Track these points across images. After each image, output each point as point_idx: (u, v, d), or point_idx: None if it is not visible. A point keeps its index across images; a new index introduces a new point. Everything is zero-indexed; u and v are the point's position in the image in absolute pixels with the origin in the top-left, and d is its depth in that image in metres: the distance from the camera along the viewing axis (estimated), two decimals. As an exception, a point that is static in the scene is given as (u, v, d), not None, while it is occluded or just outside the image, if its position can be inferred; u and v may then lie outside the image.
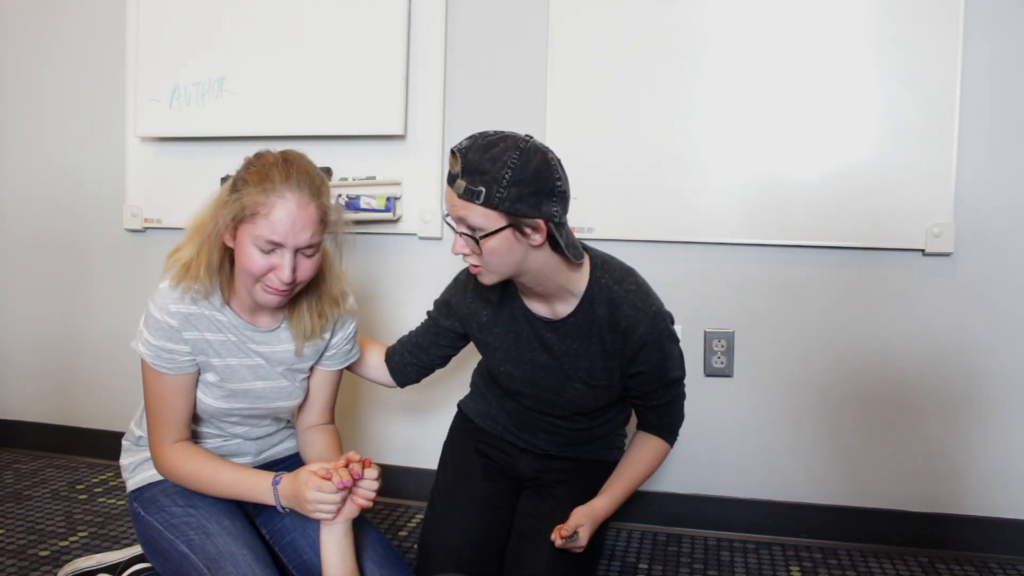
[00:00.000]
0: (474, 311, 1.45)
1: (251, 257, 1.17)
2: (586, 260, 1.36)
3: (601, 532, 1.46)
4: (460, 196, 1.20)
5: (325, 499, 1.16)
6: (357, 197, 2.05)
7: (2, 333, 2.50)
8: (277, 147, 2.12)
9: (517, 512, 1.51)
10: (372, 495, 1.21)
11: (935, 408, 1.85)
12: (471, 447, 1.58)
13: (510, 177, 1.18)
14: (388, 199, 2.04)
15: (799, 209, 1.85)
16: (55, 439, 2.45)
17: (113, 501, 2.05)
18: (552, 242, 1.26)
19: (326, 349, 1.38)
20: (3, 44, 2.43)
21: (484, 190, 1.19)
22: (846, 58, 1.81)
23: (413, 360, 1.55)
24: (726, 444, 1.95)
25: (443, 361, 1.57)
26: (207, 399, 1.30)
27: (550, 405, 1.46)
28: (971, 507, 1.84)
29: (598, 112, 1.94)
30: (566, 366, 1.39)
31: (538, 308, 1.39)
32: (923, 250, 1.81)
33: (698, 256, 1.94)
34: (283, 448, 1.47)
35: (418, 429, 2.14)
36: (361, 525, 1.31)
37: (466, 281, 1.48)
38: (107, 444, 2.36)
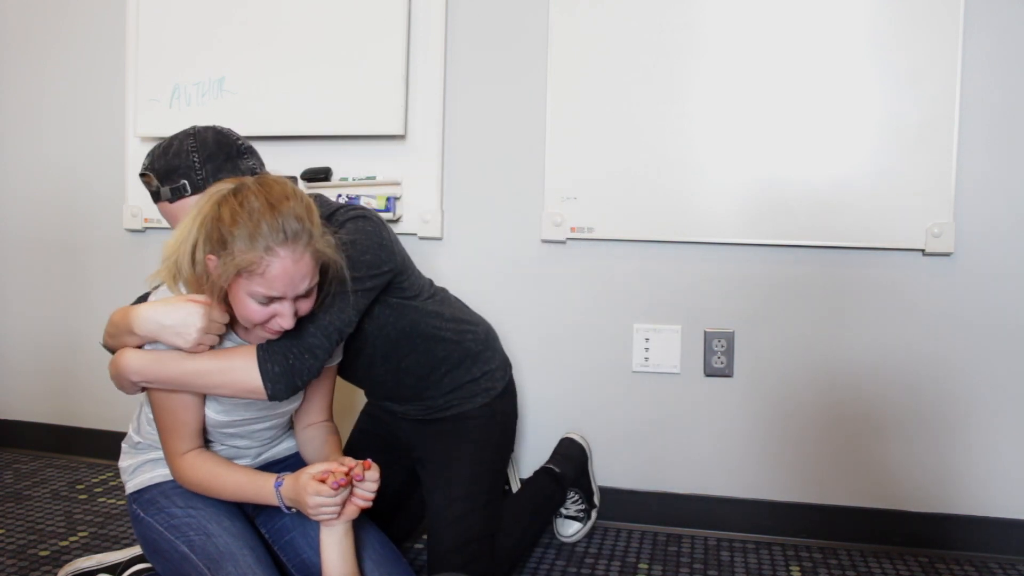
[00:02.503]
0: None
1: (250, 308, 1.16)
2: None
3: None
4: (170, 201, 1.33)
5: (326, 502, 1.17)
6: (357, 197, 2.05)
7: (2, 333, 2.50)
8: (278, 147, 2.15)
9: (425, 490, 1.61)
10: (371, 496, 1.21)
11: (935, 408, 1.85)
12: (367, 425, 1.71)
13: (198, 158, 1.33)
14: (388, 199, 2.04)
15: (799, 209, 1.85)
16: (55, 439, 2.45)
17: (113, 501, 2.05)
18: None
19: None
20: (3, 44, 2.43)
21: (186, 181, 1.33)
22: (846, 58, 1.81)
23: None
24: (726, 444, 1.95)
25: None
26: (208, 411, 1.29)
27: None
28: (971, 507, 1.84)
29: (598, 111, 1.94)
30: None
31: None
32: (923, 250, 1.81)
33: (698, 256, 1.94)
34: (282, 448, 1.47)
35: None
36: (361, 525, 1.31)
37: None
38: (107, 444, 2.36)
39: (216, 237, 1.13)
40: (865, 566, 1.75)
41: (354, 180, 2.09)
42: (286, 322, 1.17)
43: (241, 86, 2.13)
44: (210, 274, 1.15)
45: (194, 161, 1.33)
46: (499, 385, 1.62)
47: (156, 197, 1.35)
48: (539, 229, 2.00)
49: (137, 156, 2.27)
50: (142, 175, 1.36)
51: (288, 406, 1.37)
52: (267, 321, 1.17)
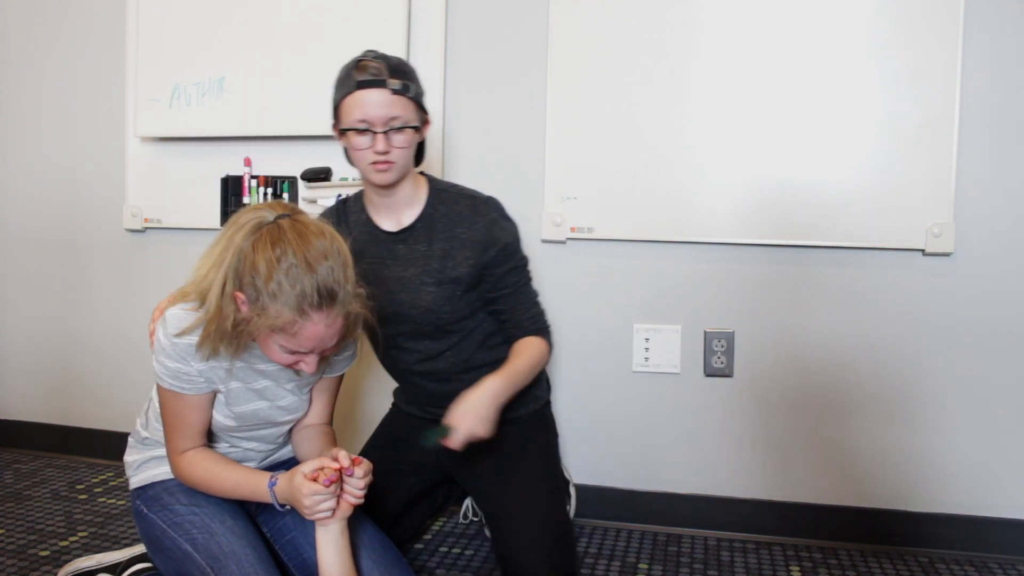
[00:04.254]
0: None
1: (277, 355, 1.17)
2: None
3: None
4: (396, 92, 1.36)
5: (319, 499, 1.16)
6: (357, 197, 2.05)
7: (2, 333, 2.50)
8: (278, 147, 2.15)
9: (474, 495, 1.62)
10: (361, 493, 1.21)
11: (935, 408, 1.85)
12: (392, 435, 1.69)
13: (415, 75, 1.41)
14: (388, 199, 2.04)
15: (799, 209, 1.85)
16: (55, 439, 2.45)
17: (113, 501, 2.05)
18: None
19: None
20: (3, 44, 2.43)
21: (412, 85, 1.39)
22: (846, 58, 1.81)
23: None
24: (726, 444, 1.95)
25: None
26: (217, 415, 1.29)
27: (410, 322, 1.50)
28: (971, 507, 1.84)
29: (598, 112, 1.94)
30: (418, 271, 1.48)
31: (386, 223, 1.51)
32: (923, 250, 1.81)
33: (698, 256, 1.94)
34: (287, 451, 1.47)
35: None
36: (359, 523, 1.31)
37: (332, 214, 1.58)
38: (107, 444, 2.36)
39: (247, 282, 1.11)
40: (865, 566, 1.75)
41: (354, 180, 2.09)
42: (310, 368, 1.19)
43: (241, 86, 2.13)
44: (239, 310, 1.14)
45: (415, 74, 1.43)
46: (546, 396, 1.68)
47: (376, 84, 1.36)
48: (539, 229, 2.00)
49: (137, 156, 2.28)
50: (363, 61, 1.38)
51: (296, 414, 1.37)
52: (291, 364, 1.19)
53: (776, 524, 1.92)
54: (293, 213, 1.18)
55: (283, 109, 2.10)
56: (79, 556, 1.67)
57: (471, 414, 1.35)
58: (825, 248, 1.87)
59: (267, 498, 1.23)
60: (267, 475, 1.24)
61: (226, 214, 2.19)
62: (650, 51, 1.91)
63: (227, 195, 2.19)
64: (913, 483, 1.86)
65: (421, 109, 1.42)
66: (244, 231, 1.14)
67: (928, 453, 1.85)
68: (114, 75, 2.30)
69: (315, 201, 2.11)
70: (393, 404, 1.78)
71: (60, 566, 1.64)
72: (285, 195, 2.14)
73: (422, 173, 1.55)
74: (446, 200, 1.50)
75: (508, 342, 1.54)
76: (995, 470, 1.82)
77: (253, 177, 2.17)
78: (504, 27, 2.03)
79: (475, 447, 1.40)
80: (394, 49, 2.00)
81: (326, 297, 1.11)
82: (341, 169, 2.11)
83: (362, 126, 1.36)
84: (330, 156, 2.12)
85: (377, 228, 1.51)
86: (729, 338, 1.93)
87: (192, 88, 2.17)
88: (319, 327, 1.13)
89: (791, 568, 1.74)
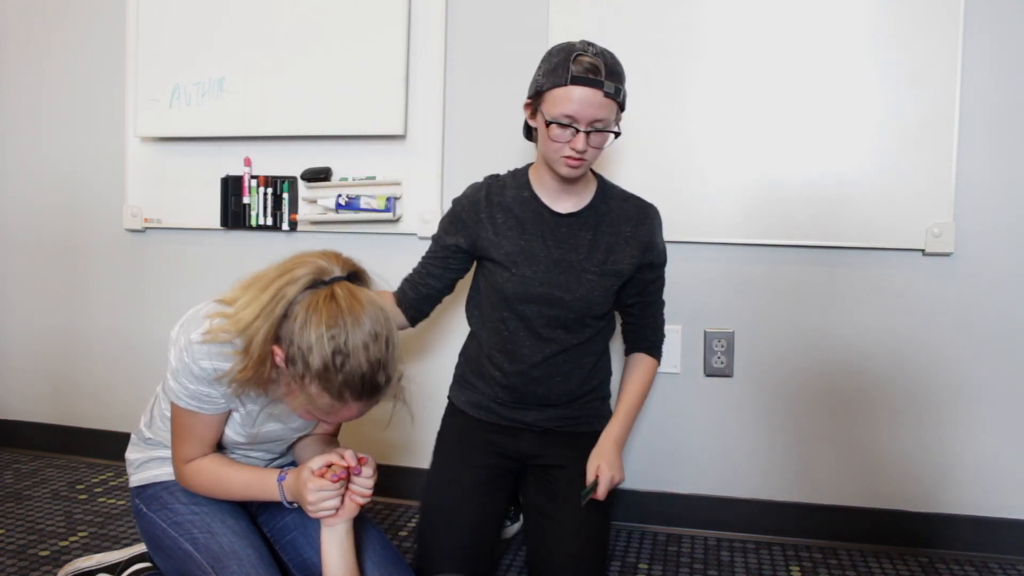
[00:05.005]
0: (491, 215, 1.53)
1: (301, 412, 1.14)
2: None
3: (610, 501, 1.52)
4: (607, 95, 1.36)
5: (325, 496, 1.16)
6: (357, 197, 2.05)
7: (2, 333, 2.50)
8: (278, 147, 2.15)
9: (528, 489, 1.58)
10: (368, 492, 1.20)
11: (935, 408, 1.85)
12: (462, 439, 1.61)
13: (624, 77, 1.41)
14: (388, 199, 2.04)
15: (799, 209, 1.85)
16: (55, 439, 2.45)
17: (113, 501, 2.05)
18: None
19: None
20: (3, 44, 2.43)
21: (622, 89, 1.40)
22: (846, 58, 1.81)
23: (426, 292, 1.61)
24: (726, 444, 1.95)
25: (451, 287, 1.65)
26: (228, 431, 1.28)
27: (560, 306, 1.51)
28: (971, 507, 1.84)
29: (598, 112, 1.94)
30: (581, 256, 1.51)
31: (557, 204, 1.53)
32: (923, 250, 1.81)
33: (698, 256, 1.94)
34: (290, 457, 1.47)
35: (417, 428, 2.13)
36: (361, 525, 1.31)
37: (479, 188, 1.59)
38: (107, 444, 2.36)
39: (294, 351, 1.07)
40: (865, 566, 1.75)
41: (354, 180, 2.09)
42: (329, 427, 1.20)
43: (241, 86, 2.13)
44: (275, 365, 1.11)
45: (625, 78, 1.42)
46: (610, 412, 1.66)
47: (591, 82, 1.35)
48: (539, 229, 2.00)
49: (137, 156, 2.28)
50: (580, 55, 1.36)
51: (306, 431, 1.37)
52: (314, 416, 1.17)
53: (776, 524, 1.92)
54: (348, 270, 1.13)
55: (283, 109, 2.10)
56: (79, 556, 1.67)
57: (606, 466, 1.46)
58: (825, 248, 1.87)
59: (276, 495, 1.22)
60: (276, 472, 1.24)
61: (226, 214, 2.19)
62: (650, 51, 1.91)
63: (227, 195, 2.19)
64: (913, 483, 1.86)
65: (622, 110, 1.44)
66: (298, 285, 1.08)
67: (928, 453, 1.85)
68: (114, 75, 2.30)
69: (315, 201, 2.11)
70: (456, 410, 1.68)
71: (60, 566, 1.64)
72: (285, 195, 2.14)
73: (591, 170, 1.58)
74: (616, 196, 1.56)
75: (625, 342, 1.66)
76: (995, 470, 1.82)
77: (253, 177, 2.17)
78: (504, 27, 2.03)
79: (552, 451, 1.55)
80: (394, 49, 2.02)
81: (369, 390, 1.09)
82: (341, 169, 2.12)
83: (566, 121, 1.37)
84: (330, 156, 2.12)
85: (544, 206, 1.53)
86: (729, 338, 1.93)
87: (192, 88, 2.17)
88: (353, 411, 1.11)
89: (791, 568, 1.74)
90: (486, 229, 1.53)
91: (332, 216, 2.08)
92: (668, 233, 1.93)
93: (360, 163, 2.10)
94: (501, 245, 1.52)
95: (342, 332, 1.05)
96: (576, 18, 1.94)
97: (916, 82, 1.78)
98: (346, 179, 2.10)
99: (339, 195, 2.06)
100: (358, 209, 2.04)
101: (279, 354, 1.09)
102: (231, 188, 2.19)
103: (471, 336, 1.67)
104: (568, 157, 1.40)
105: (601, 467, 1.46)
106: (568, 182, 1.49)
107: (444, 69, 2.05)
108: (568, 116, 1.36)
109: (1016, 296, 1.80)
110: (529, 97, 1.46)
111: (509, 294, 1.51)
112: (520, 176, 1.58)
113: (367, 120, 2.04)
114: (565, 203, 1.53)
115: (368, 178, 2.08)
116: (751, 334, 1.93)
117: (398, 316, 1.61)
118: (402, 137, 2.06)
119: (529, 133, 1.54)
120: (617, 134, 1.42)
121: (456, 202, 1.60)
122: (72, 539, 1.80)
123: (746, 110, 1.86)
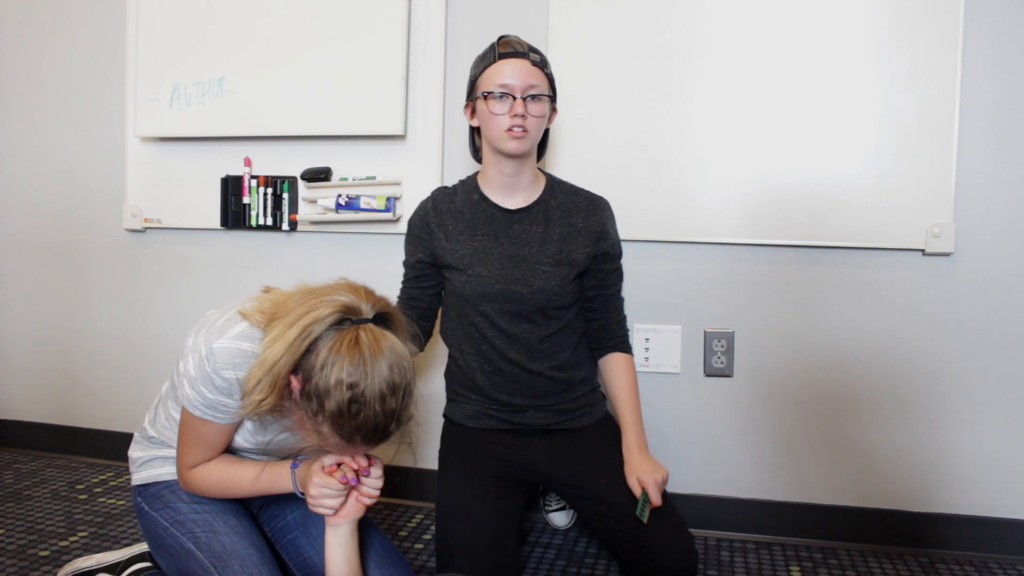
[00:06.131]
0: (441, 223, 1.58)
1: (314, 443, 1.13)
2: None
3: (666, 494, 1.52)
4: (534, 64, 1.48)
5: (327, 494, 1.16)
6: (357, 197, 2.05)
7: (2, 333, 2.50)
8: (278, 147, 2.15)
9: (574, 502, 1.58)
10: (376, 493, 1.21)
11: (936, 408, 1.85)
12: (466, 449, 1.59)
13: (550, 66, 1.54)
14: (388, 199, 2.04)
15: (799, 209, 1.85)
16: (55, 439, 2.45)
17: (113, 501, 2.05)
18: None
19: None
20: (2, 44, 2.43)
21: (547, 60, 1.52)
22: (846, 58, 1.81)
23: (417, 315, 1.61)
24: (726, 444, 1.95)
25: (437, 299, 1.67)
26: (238, 438, 1.28)
27: (519, 300, 1.53)
28: (971, 507, 1.84)
29: (598, 112, 1.94)
30: (534, 250, 1.54)
31: (507, 201, 1.58)
32: (923, 250, 1.81)
33: (698, 256, 1.94)
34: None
35: (418, 428, 2.14)
36: (364, 526, 1.31)
37: (426, 201, 1.63)
38: (107, 444, 2.36)
39: (311, 389, 1.06)
40: (865, 566, 1.75)
41: (354, 180, 2.09)
42: (351, 458, 1.18)
43: (241, 86, 2.13)
44: (291, 394, 1.11)
45: (546, 57, 1.56)
46: (604, 407, 1.68)
47: (516, 55, 1.49)
48: (539, 229, 2.00)
49: (137, 156, 2.28)
50: (505, 39, 1.52)
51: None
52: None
53: (776, 524, 1.92)
54: (379, 310, 1.12)
55: (283, 109, 2.10)
56: (79, 556, 1.67)
57: (644, 475, 1.47)
58: (825, 248, 1.87)
59: (286, 484, 1.21)
60: (285, 462, 1.23)
61: (226, 214, 2.19)
62: (650, 51, 1.91)
63: (227, 195, 2.19)
64: (913, 483, 1.86)
65: (553, 91, 1.53)
66: (324, 323, 1.07)
67: (928, 453, 1.85)
68: (114, 75, 2.30)
69: (315, 201, 2.11)
70: (455, 425, 1.66)
71: (60, 566, 1.64)
72: (285, 195, 2.14)
73: (540, 169, 1.64)
74: (565, 191, 1.62)
75: (592, 343, 1.65)
76: (995, 470, 1.82)
77: (253, 177, 2.17)
78: (504, 27, 2.02)
79: (566, 448, 1.57)
80: (394, 49, 2.02)
81: (380, 436, 1.09)
82: (341, 169, 2.12)
83: (502, 91, 1.46)
84: (330, 156, 2.12)
85: (494, 205, 1.57)
86: (729, 338, 1.93)
87: (192, 88, 2.17)
88: (360, 449, 1.13)
89: (791, 568, 1.74)
90: (439, 238, 1.57)
91: (332, 216, 2.08)
92: (668, 233, 1.94)
93: (360, 163, 2.10)
94: (455, 250, 1.55)
95: (361, 382, 1.04)
96: (576, 18, 1.94)
97: (916, 82, 1.78)
98: (346, 179, 2.10)
99: (339, 195, 2.06)
100: (358, 209, 2.04)
101: (296, 386, 1.09)
102: (231, 188, 2.19)
103: (450, 355, 1.68)
104: (511, 128, 1.46)
105: (641, 479, 1.46)
106: (514, 163, 1.52)
107: (444, 69, 2.05)
108: (502, 86, 1.46)
109: (1016, 296, 1.80)
110: (467, 100, 1.55)
111: (469, 295, 1.54)
112: (469, 182, 1.63)
113: (367, 120, 2.04)
114: (515, 199, 1.58)
115: (368, 178, 2.08)
116: (751, 334, 1.93)
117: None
118: (402, 137, 2.06)
119: (476, 153, 1.62)
120: (551, 99, 1.52)
121: (409, 222, 1.65)
122: (72, 539, 1.80)
123: (746, 110, 1.86)
